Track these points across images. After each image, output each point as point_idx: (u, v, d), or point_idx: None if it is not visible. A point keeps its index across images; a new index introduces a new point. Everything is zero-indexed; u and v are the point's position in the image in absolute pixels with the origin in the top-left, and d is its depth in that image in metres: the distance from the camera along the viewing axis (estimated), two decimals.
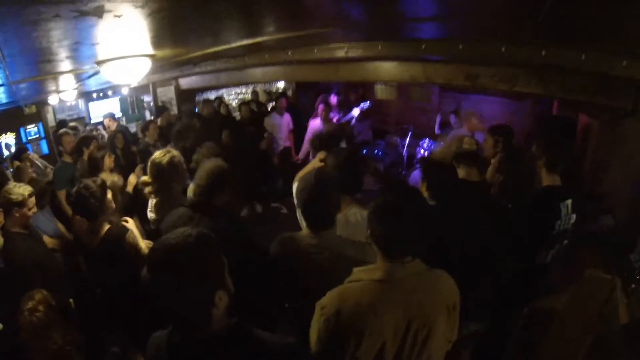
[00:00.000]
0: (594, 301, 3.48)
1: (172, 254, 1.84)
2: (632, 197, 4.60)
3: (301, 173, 4.15)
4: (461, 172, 4.24)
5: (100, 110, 13.69)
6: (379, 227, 2.42)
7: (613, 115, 4.95)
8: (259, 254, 3.46)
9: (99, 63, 5.01)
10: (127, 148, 8.98)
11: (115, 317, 4.33)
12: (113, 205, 4.41)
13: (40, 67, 4.98)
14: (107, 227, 4.20)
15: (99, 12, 2.37)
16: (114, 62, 4.95)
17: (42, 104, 11.88)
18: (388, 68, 6.35)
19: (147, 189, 4.83)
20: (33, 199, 4.63)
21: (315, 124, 9.02)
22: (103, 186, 4.22)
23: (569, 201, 3.93)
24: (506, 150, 4.80)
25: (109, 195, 4.28)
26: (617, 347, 3.34)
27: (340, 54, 5.89)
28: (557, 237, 3.92)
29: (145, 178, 4.96)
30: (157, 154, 4.66)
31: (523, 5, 2.68)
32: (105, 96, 13.43)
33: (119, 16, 2.58)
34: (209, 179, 3.75)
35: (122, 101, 13.98)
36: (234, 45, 5.61)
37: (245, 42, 5.35)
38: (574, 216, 3.96)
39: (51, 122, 12.57)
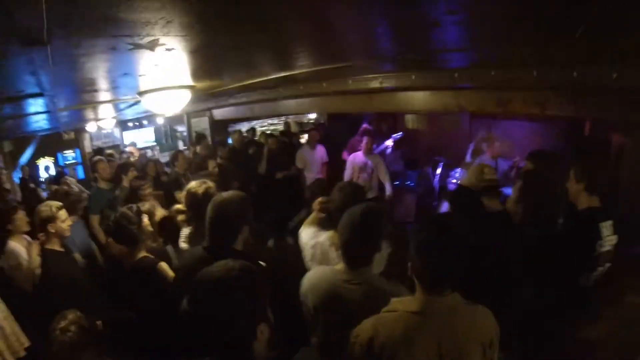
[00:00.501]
0: (635, 329, 3.47)
1: (215, 287, 1.90)
2: None
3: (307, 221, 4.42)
4: (484, 202, 4.26)
5: (135, 139, 14.04)
6: (418, 261, 2.46)
7: None
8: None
9: (141, 94, 5.17)
10: (157, 177, 9.23)
11: (144, 343, 4.24)
12: (150, 229, 4.48)
13: (84, 96, 5.16)
14: (142, 254, 4.21)
15: (153, 46, 2.50)
16: (155, 94, 5.12)
17: (80, 130, 12.26)
18: (420, 97, 6.42)
19: (179, 217, 4.85)
20: (63, 212, 4.78)
21: (357, 156, 8.95)
22: (139, 213, 4.29)
23: (610, 222, 3.91)
24: (526, 178, 4.82)
25: (146, 220, 4.35)
26: None
27: (375, 84, 5.97)
28: (598, 259, 3.90)
29: (179, 206, 5.01)
30: (193, 184, 4.65)
31: (555, 28, 2.72)
32: (141, 125, 13.77)
33: (169, 49, 2.71)
34: (219, 216, 3.37)
35: (157, 131, 14.30)
36: (268, 77, 5.75)
37: (279, 74, 5.48)
38: (614, 237, 3.94)
39: (88, 148, 12.96)
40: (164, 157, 13.19)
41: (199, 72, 4.49)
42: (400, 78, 5.74)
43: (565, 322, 3.84)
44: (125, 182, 7.38)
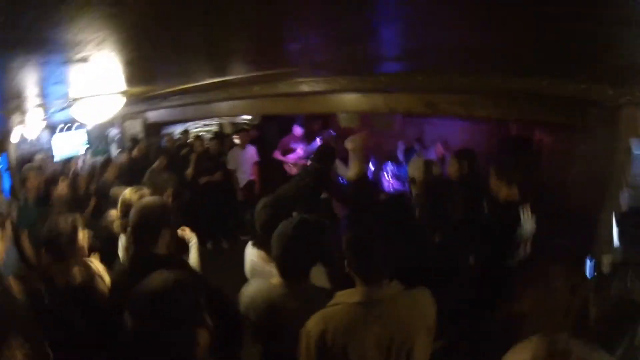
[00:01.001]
0: (561, 300, 3.71)
1: (153, 299, 1.99)
2: (587, 207, 4.89)
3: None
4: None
5: (65, 144, 13.50)
6: (352, 256, 2.60)
7: (565, 131, 5.37)
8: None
9: (72, 101, 5.13)
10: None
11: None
12: (85, 245, 4.12)
13: (11, 102, 5.07)
14: (76, 269, 3.94)
15: (86, 60, 2.55)
16: (86, 100, 5.09)
17: (7, 132, 11.70)
18: (351, 99, 6.57)
19: (115, 224, 4.71)
20: None
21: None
22: (73, 226, 3.98)
23: (529, 211, 4.25)
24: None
25: (81, 235, 4.03)
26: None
27: (305, 88, 6.07)
28: (520, 241, 4.19)
29: (113, 212, 4.87)
30: (127, 192, 4.57)
31: (479, 38, 2.88)
32: (70, 129, 13.17)
33: (101, 61, 2.76)
34: (139, 222, 3.38)
35: (88, 134, 13.70)
36: (201, 83, 5.79)
37: (212, 80, 5.54)
38: (533, 219, 4.30)
39: (14, 153, 12.35)
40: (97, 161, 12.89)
41: (131, 80, 4.51)
42: (330, 82, 5.87)
43: (495, 300, 4.08)
44: (57, 195, 7.09)
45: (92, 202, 7.88)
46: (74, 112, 5.43)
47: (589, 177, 4.92)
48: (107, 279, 4.11)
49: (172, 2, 1.82)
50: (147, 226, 3.35)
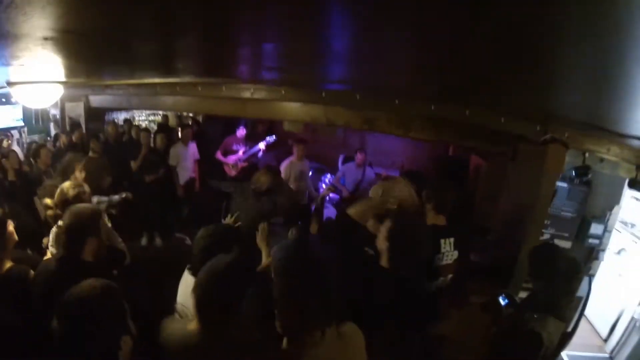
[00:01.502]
0: (480, 325, 3.92)
1: (80, 306, 2.10)
2: (512, 230, 5.21)
3: None
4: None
5: (2, 115, 12.93)
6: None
7: (498, 158, 5.62)
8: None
9: (11, 84, 5.08)
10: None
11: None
12: (15, 238, 3.93)
13: None
14: (8, 264, 3.76)
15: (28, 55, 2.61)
16: (26, 86, 5.06)
17: None
18: (292, 108, 6.65)
19: (48, 212, 4.55)
20: None
21: (294, 164, 9.07)
22: (2, 220, 3.84)
23: (452, 239, 4.35)
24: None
25: (10, 227, 3.86)
26: None
27: (246, 94, 6.19)
28: (439, 270, 4.32)
29: (48, 201, 4.60)
30: (67, 184, 4.46)
31: (411, 69, 3.05)
32: (8, 102, 12.51)
33: (44, 52, 2.80)
34: (69, 227, 3.43)
35: (26, 110, 13.04)
36: (145, 82, 5.84)
37: (157, 80, 5.60)
38: (456, 252, 4.37)
39: None
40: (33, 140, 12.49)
41: (74, 72, 4.53)
42: (271, 91, 6.01)
43: (418, 324, 4.25)
44: None
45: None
46: (12, 93, 5.37)
47: (516, 205, 5.23)
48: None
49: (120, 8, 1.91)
50: (77, 232, 3.41)
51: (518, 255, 4.92)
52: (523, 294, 4.64)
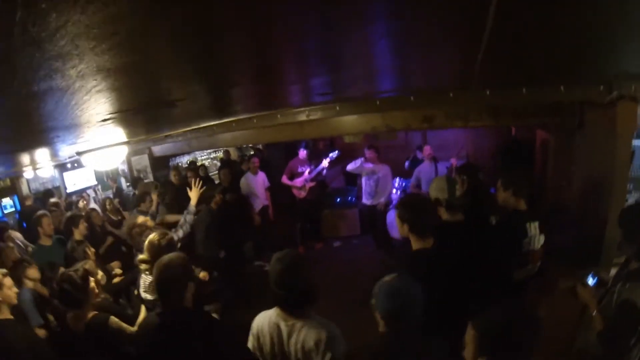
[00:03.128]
0: (570, 311, 3.78)
1: None
2: (593, 204, 4.93)
3: None
4: (444, 215, 4.39)
5: (75, 179, 13.60)
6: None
7: (565, 130, 5.36)
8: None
9: (79, 153, 5.27)
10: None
11: None
12: (97, 291, 4.28)
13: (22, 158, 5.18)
14: (92, 314, 4.07)
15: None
16: (93, 152, 5.24)
17: (16, 177, 11.75)
18: (349, 122, 6.64)
19: (142, 267, 4.68)
20: (8, 279, 4.47)
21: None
22: (85, 276, 4.14)
23: (536, 223, 4.27)
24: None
25: (92, 283, 4.17)
26: (596, 353, 3.53)
27: (302, 117, 6.16)
28: (527, 255, 4.24)
29: (142, 256, 4.72)
30: (153, 236, 4.55)
31: (460, 58, 2.99)
32: (80, 165, 13.17)
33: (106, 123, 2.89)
34: (165, 282, 3.43)
35: (97, 170, 13.76)
36: (203, 126, 5.94)
37: (213, 122, 5.69)
38: (542, 237, 4.29)
39: (25, 191, 12.47)
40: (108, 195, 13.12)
41: (135, 134, 4.66)
42: (326, 109, 5.97)
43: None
44: (77, 236, 6.77)
45: (109, 240, 8.04)
46: (82, 160, 5.57)
47: (592, 176, 4.97)
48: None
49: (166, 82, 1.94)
50: (173, 283, 3.41)
51: (604, 229, 4.66)
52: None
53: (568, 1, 1.47)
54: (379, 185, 9.64)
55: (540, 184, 6.93)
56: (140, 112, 2.60)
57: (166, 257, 3.57)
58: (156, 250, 4.38)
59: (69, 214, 7.93)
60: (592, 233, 4.80)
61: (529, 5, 1.47)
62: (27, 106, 1.62)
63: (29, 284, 5.28)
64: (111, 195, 13.08)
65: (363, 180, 9.89)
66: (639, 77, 4.13)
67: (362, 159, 9.53)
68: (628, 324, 3.34)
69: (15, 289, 4.61)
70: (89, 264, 5.04)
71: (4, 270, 4.58)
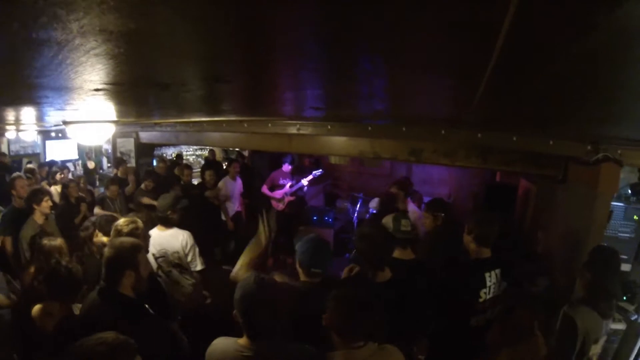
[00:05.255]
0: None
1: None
2: (566, 256, 5.00)
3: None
4: (396, 252, 4.28)
5: (57, 150, 13.49)
6: (336, 316, 2.73)
7: (548, 181, 5.45)
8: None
9: (66, 123, 5.23)
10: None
11: None
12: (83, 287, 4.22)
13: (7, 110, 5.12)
14: (63, 313, 3.90)
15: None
16: (80, 125, 5.21)
17: None
18: (338, 142, 6.67)
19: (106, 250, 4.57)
20: None
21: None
22: (79, 268, 4.15)
23: (498, 270, 4.24)
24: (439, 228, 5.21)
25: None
26: None
27: (292, 130, 6.22)
28: (485, 303, 4.20)
29: (105, 239, 4.88)
30: (121, 221, 4.58)
31: (455, 100, 3.02)
32: (64, 137, 13.08)
33: (96, 95, 2.86)
34: (108, 259, 3.48)
35: (80, 145, 13.70)
36: (193, 120, 5.94)
37: (204, 119, 5.69)
38: (504, 283, 4.29)
39: (4, 150, 12.39)
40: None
41: (125, 114, 4.63)
42: (317, 127, 6.03)
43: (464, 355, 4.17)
44: (37, 217, 6.64)
45: (83, 208, 8.19)
46: (67, 131, 5.53)
47: (569, 229, 5.04)
48: None
49: (168, 61, 1.94)
50: (114, 265, 3.46)
51: (574, 283, 4.68)
52: None
53: (569, 59, 1.49)
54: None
55: (515, 232, 6.99)
56: (132, 88, 2.58)
57: (120, 239, 3.68)
58: (118, 236, 4.35)
59: (35, 187, 7.85)
60: (561, 285, 4.85)
61: (531, 54, 1.48)
62: (21, 54, 1.60)
63: None
64: (79, 171, 13.15)
65: None
66: (626, 142, 4.22)
67: None
68: (565, 334, 3.83)
69: None
70: (59, 242, 5.03)
71: None
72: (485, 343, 4.10)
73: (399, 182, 8.75)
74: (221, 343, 2.95)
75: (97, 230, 5.15)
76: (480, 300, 4.18)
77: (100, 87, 2.35)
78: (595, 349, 4.02)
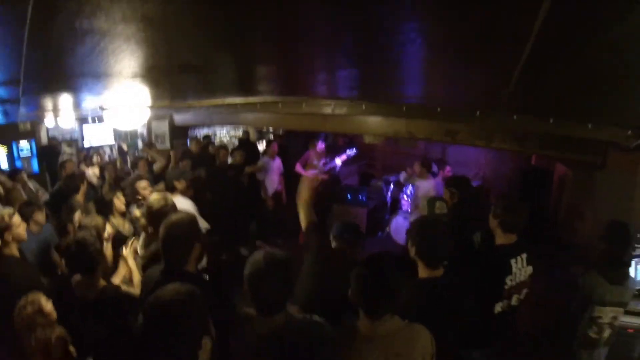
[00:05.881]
0: None
1: (164, 308, 2.15)
2: (601, 244, 4.64)
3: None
4: None
5: (94, 135, 13.69)
6: (360, 291, 2.71)
7: (586, 167, 5.25)
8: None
9: (103, 109, 5.31)
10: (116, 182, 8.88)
11: None
12: (109, 258, 4.34)
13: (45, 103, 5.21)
14: (102, 283, 4.05)
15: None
16: (117, 110, 5.28)
17: (37, 122, 11.83)
18: (373, 122, 6.64)
19: (141, 221, 4.81)
20: (17, 217, 4.64)
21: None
22: (99, 241, 4.17)
23: (524, 255, 4.11)
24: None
25: (106, 246, 4.23)
26: None
27: (327, 110, 6.21)
28: (510, 290, 4.10)
29: (137, 212, 5.01)
30: (153, 198, 4.57)
31: (492, 81, 2.97)
32: (100, 120, 13.22)
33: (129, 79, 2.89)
34: (172, 242, 3.35)
35: (116, 130, 13.88)
36: (228, 102, 5.96)
37: (238, 100, 5.70)
38: (530, 268, 4.13)
39: (44, 139, 12.57)
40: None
41: (160, 98, 4.67)
42: (352, 106, 5.98)
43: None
44: (79, 197, 6.84)
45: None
46: (104, 116, 5.61)
47: (606, 217, 4.67)
48: (136, 279, 4.36)
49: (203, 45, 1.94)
50: (178, 243, 3.34)
51: None
52: None
53: (606, 40, 1.45)
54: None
55: (547, 218, 6.88)
56: (169, 72, 2.60)
57: (175, 216, 3.50)
58: (150, 215, 4.42)
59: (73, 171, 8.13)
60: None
61: (569, 36, 1.45)
62: (63, 46, 1.62)
63: (35, 227, 5.40)
64: (115, 155, 13.38)
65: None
66: None
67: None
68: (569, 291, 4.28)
69: (24, 226, 4.77)
70: (99, 220, 5.14)
71: (11, 210, 4.71)
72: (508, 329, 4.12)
73: (423, 160, 9.25)
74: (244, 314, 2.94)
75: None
76: (506, 287, 4.10)
77: (139, 72, 2.37)
78: (605, 315, 4.24)
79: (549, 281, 4.84)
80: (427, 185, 9.16)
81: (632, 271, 4.72)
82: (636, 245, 4.84)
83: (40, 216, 5.48)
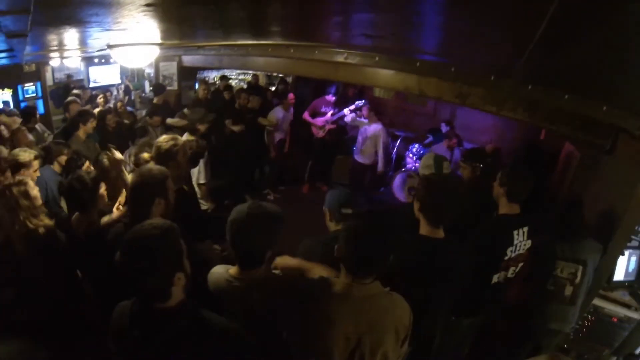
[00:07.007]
0: None
1: (140, 243, 2.23)
2: (599, 232, 4.74)
3: None
4: None
5: (100, 75, 13.61)
6: (346, 247, 2.66)
7: (593, 150, 5.14)
8: None
9: (111, 47, 5.23)
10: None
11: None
12: (105, 198, 4.32)
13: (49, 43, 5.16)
14: (104, 220, 4.05)
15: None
16: (124, 48, 5.20)
17: (43, 63, 11.72)
18: (385, 75, 6.51)
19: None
20: (37, 162, 4.91)
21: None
22: (96, 180, 4.17)
23: (525, 228, 4.15)
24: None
25: (102, 189, 4.22)
26: None
27: (340, 58, 6.11)
28: (509, 261, 4.14)
29: (146, 155, 4.96)
30: (162, 138, 4.52)
31: (512, 42, 2.90)
32: (107, 62, 13.21)
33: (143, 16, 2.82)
34: (135, 191, 3.46)
35: (123, 69, 13.83)
36: (238, 43, 5.85)
37: (249, 42, 5.60)
38: (529, 242, 4.20)
39: (49, 81, 12.41)
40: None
41: (170, 35, 4.58)
42: (365, 57, 5.89)
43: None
44: (81, 133, 7.01)
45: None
46: (112, 54, 5.54)
47: (607, 205, 4.78)
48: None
49: None
50: (141, 194, 3.42)
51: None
52: None
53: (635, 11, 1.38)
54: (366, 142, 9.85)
55: (549, 195, 6.84)
56: (185, 3, 2.53)
57: (147, 167, 3.63)
58: (157, 155, 4.41)
59: (79, 109, 8.07)
60: None
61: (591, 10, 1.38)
62: None
63: (58, 168, 5.74)
64: (121, 95, 13.28)
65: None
66: None
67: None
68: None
69: (38, 173, 5.00)
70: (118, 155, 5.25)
71: (36, 154, 5.01)
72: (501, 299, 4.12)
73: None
74: (216, 271, 2.99)
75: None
76: (506, 257, 4.12)
77: (151, 1, 2.31)
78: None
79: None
80: (375, 129, 9.60)
81: (625, 261, 4.89)
82: (632, 236, 4.97)
83: (64, 158, 5.75)
